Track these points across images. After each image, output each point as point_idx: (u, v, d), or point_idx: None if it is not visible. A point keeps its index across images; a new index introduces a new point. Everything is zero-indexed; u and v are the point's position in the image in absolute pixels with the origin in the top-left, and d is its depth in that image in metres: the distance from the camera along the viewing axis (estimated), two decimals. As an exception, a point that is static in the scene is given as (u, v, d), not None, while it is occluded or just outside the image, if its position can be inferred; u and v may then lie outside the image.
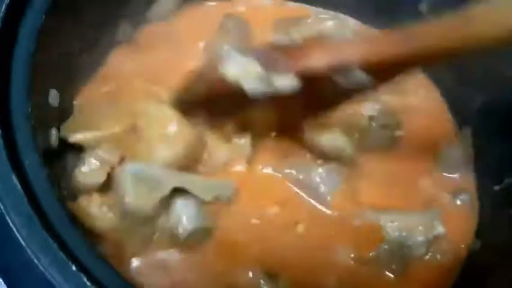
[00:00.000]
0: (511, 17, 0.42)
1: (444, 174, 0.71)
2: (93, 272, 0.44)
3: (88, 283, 0.43)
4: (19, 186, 0.45)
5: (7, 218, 0.44)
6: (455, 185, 0.70)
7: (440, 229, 0.63)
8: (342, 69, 0.47)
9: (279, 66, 0.50)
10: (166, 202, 0.57)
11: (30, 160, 0.48)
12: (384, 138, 0.70)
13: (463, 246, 0.66)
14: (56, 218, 0.46)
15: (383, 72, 0.49)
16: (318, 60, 0.48)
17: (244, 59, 0.51)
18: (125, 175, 0.56)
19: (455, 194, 0.69)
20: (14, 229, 0.44)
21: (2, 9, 0.51)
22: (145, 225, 0.57)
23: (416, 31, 0.47)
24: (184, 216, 0.56)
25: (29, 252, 0.43)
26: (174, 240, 0.57)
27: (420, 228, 0.63)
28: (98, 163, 0.57)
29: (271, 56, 0.51)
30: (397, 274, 0.62)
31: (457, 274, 0.65)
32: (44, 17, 0.55)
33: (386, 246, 0.62)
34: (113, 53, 0.73)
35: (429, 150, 0.72)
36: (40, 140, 0.52)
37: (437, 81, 0.78)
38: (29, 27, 0.54)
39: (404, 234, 0.62)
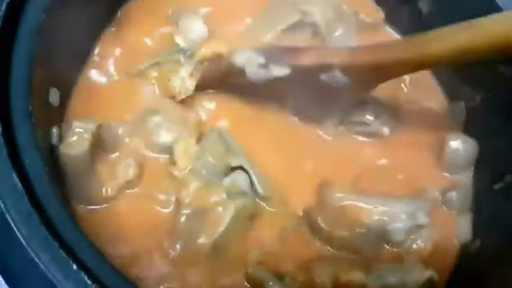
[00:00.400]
0: (460, 38, 0.54)
1: (442, 172, 0.71)
2: (94, 271, 0.44)
3: (89, 281, 0.43)
4: (19, 185, 0.45)
5: (7, 216, 0.44)
6: (452, 181, 0.71)
7: (423, 220, 0.64)
8: (324, 68, 0.64)
9: (278, 60, 0.66)
10: (227, 170, 0.63)
11: (31, 158, 0.48)
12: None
13: (453, 242, 0.67)
14: (57, 216, 0.46)
15: (357, 75, 0.63)
16: (308, 59, 0.65)
17: (250, 53, 0.66)
18: (214, 129, 0.66)
19: (450, 189, 0.69)
20: (15, 227, 0.44)
21: (3, 8, 0.51)
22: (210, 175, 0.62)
23: (384, 47, 0.63)
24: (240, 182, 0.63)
25: (29, 250, 0.43)
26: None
27: (402, 216, 0.64)
28: (79, 131, 0.59)
29: (275, 53, 0.67)
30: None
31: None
32: (43, 15, 0.55)
33: (363, 230, 0.63)
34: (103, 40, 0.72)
35: (427, 146, 0.72)
36: (40, 138, 0.52)
37: (437, 81, 0.78)
38: (29, 26, 0.54)
39: (385, 219, 0.63)
